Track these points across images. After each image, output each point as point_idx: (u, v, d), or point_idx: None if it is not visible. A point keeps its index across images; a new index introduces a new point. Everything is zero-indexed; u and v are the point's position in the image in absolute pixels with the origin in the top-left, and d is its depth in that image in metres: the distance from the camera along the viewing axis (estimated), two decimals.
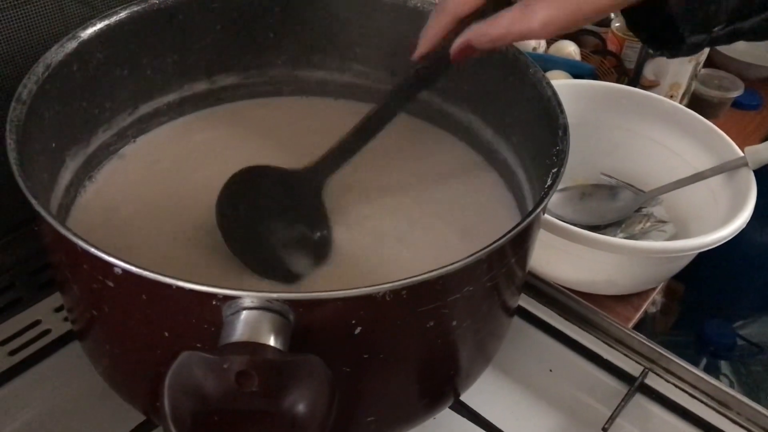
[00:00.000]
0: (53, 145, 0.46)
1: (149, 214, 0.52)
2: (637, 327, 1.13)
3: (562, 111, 0.44)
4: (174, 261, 0.48)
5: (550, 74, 0.90)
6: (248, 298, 0.31)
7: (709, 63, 1.06)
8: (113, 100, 0.53)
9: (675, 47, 0.40)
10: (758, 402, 1.16)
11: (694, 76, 0.90)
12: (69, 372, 0.51)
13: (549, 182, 0.39)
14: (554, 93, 0.45)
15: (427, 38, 0.43)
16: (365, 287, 0.32)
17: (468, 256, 0.34)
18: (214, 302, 0.31)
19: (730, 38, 0.39)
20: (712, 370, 1.14)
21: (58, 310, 0.55)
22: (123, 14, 0.50)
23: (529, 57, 0.49)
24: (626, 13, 0.40)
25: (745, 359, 1.18)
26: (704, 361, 1.15)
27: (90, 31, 0.48)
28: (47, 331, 0.54)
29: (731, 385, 1.14)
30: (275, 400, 0.30)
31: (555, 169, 0.40)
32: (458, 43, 0.42)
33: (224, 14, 0.56)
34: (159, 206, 0.52)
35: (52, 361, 0.52)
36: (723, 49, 1.10)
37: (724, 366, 1.15)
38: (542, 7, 0.37)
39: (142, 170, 0.55)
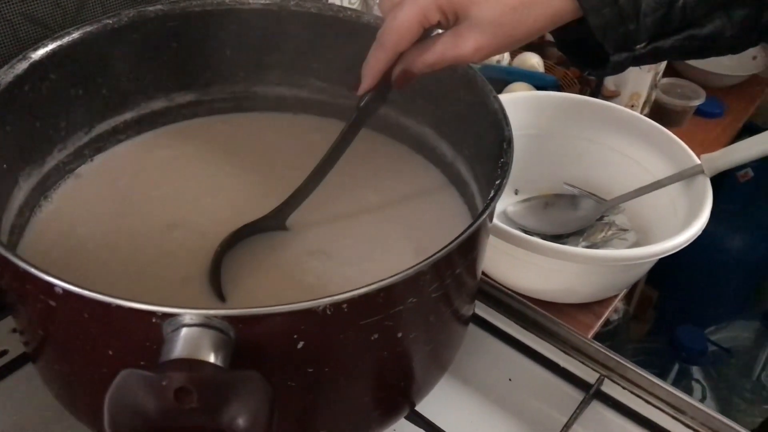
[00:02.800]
0: (4, 165, 0.46)
1: (106, 234, 0.52)
2: (611, 334, 1.15)
3: (508, 124, 0.45)
4: (129, 281, 0.48)
5: (513, 86, 0.92)
6: (188, 315, 0.32)
7: (671, 72, 1.08)
8: (68, 119, 0.53)
9: (600, 66, 0.41)
10: (731, 406, 1.17)
11: (654, 85, 0.92)
12: (26, 393, 0.51)
13: (492, 193, 0.40)
14: (500, 106, 0.46)
15: (370, 75, 0.44)
16: (305, 301, 0.33)
17: (408, 268, 0.34)
18: (153, 320, 0.32)
19: (654, 57, 0.40)
20: (685, 375, 1.15)
21: (15, 330, 0.55)
22: (76, 34, 0.50)
23: (477, 71, 0.50)
24: (554, 33, 0.41)
25: (717, 364, 1.20)
26: (677, 367, 1.16)
27: (41, 51, 0.48)
28: (4, 352, 0.54)
29: (703, 391, 1.15)
30: (215, 416, 0.30)
31: (498, 180, 0.41)
32: (398, 71, 0.43)
33: (180, 32, 0.56)
34: (116, 226, 0.52)
35: (10, 382, 0.52)
36: None
37: (696, 371, 1.17)
38: (473, 35, 0.38)
39: (99, 189, 0.55)
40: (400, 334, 0.38)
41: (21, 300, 0.38)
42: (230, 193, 0.56)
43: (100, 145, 0.57)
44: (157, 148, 0.59)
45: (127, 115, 0.58)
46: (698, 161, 0.71)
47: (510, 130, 0.44)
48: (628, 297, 1.29)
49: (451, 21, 0.39)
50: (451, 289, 0.40)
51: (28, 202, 0.50)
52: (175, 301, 0.32)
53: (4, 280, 0.39)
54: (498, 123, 0.45)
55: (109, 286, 0.32)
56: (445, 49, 0.40)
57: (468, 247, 0.40)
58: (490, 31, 0.38)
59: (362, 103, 0.46)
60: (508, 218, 0.77)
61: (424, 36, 0.41)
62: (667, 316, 1.43)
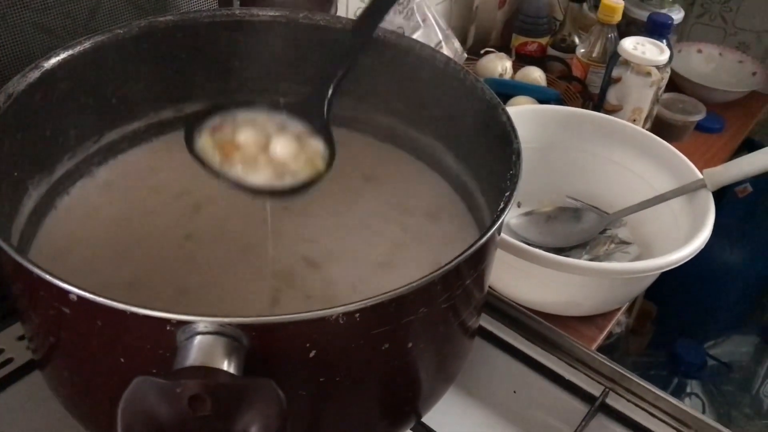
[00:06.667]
0: (15, 173, 0.47)
1: (115, 242, 0.52)
2: (610, 347, 1.15)
3: (516, 136, 0.45)
4: (138, 289, 0.48)
5: (516, 100, 0.92)
6: (202, 323, 0.32)
7: (672, 88, 1.08)
8: (78, 128, 0.53)
9: None
10: (729, 421, 1.17)
11: (656, 100, 0.92)
12: (32, 401, 0.51)
13: (501, 205, 0.40)
14: (509, 119, 0.47)
15: None
16: (318, 310, 0.33)
17: (420, 279, 0.35)
18: (168, 327, 0.32)
19: None
20: (683, 389, 1.15)
21: (21, 338, 0.55)
22: (87, 44, 0.51)
23: (485, 84, 0.50)
24: None
25: (716, 379, 1.20)
26: (675, 381, 1.16)
27: (53, 61, 0.48)
28: (9, 360, 0.54)
29: (702, 405, 1.15)
30: (228, 424, 0.31)
31: (507, 193, 0.41)
32: None
33: (190, 43, 0.57)
34: (125, 233, 0.53)
35: (15, 390, 0.52)
36: (685, 73, 1.13)
37: (695, 385, 1.17)
38: None
39: (108, 197, 0.55)
40: (410, 344, 0.38)
41: (32, 306, 0.39)
42: (239, 201, 0.56)
43: (108, 153, 0.57)
44: (166, 157, 0.59)
45: (136, 125, 0.58)
46: (700, 176, 0.71)
47: (518, 143, 0.44)
48: (628, 311, 1.29)
49: None
50: (460, 301, 0.40)
51: (37, 210, 0.50)
52: (183, 309, 0.32)
53: (16, 286, 0.39)
54: (506, 135, 0.46)
55: (118, 294, 0.32)
56: None
57: (478, 258, 0.40)
58: None
59: None
60: (510, 230, 0.77)
61: None
62: (665, 330, 1.43)
